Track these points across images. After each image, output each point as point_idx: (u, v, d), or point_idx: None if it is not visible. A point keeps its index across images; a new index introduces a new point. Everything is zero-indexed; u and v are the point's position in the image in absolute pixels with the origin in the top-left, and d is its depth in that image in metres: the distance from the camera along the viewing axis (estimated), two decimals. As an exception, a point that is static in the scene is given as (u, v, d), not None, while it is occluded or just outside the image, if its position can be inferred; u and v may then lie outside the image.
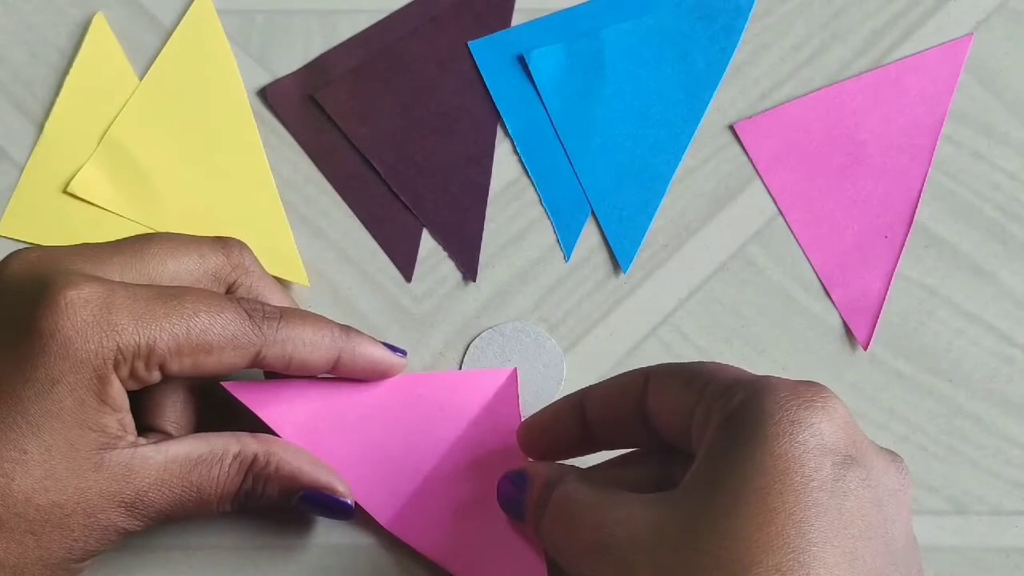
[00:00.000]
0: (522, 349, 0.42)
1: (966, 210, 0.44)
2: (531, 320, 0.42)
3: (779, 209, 0.44)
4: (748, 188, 0.44)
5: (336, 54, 0.46)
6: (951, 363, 0.42)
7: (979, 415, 0.41)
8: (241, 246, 0.37)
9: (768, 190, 0.44)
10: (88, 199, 0.43)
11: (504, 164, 0.45)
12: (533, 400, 0.41)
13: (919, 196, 0.44)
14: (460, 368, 0.42)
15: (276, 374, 0.37)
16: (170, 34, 0.45)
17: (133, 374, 0.32)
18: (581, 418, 0.35)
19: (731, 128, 0.45)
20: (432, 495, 0.39)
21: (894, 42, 0.46)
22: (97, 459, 0.32)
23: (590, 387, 0.35)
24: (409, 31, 0.46)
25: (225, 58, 0.45)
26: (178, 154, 0.44)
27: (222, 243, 0.37)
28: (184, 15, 0.46)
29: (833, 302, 0.43)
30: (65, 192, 0.43)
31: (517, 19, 0.46)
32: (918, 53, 0.45)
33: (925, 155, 0.44)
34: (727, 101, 0.45)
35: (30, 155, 0.44)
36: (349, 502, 0.37)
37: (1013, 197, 0.44)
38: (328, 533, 0.40)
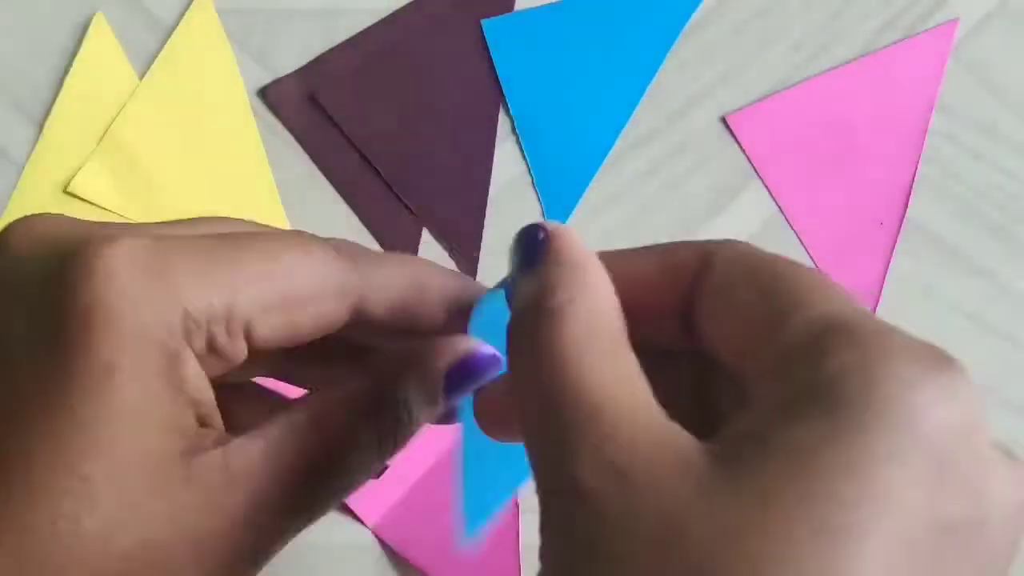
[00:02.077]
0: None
1: (966, 209, 0.44)
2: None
3: (776, 202, 0.44)
4: (747, 187, 0.44)
5: (336, 54, 0.46)
6: (951, 363, 0.42)
7: (979, 415, 0.41)
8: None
9: (764, 183, 0.44)
10: (88, 199, 0.43)
11: (504, 164, 0.45)
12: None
13: (912, 182, 0.44)
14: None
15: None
16: (170, 34, 0.45)
17: (212, 346, 0.22)
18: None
19: (723, 120, 0.45)
20: (420, 502, 0.39)
21: (894, 42, 0.46)
22: (185, 470, 0.22)
23: (610, 256, 0.23)
24: (409, 31, 0.46)
25: (225, 58, 0.45)
26: (178, 154, 0.44)
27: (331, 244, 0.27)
28: (184, 15, 0.46)
29: (832, 296, 0.43)
30: (65, 192, 0.43)
31: (517, 19, 0.46)
32: (905, 39, 0.46)
33: (916, 140, 0.44)
34: (728, 101, 0.45)
35: (30, 155, 0.44)
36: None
37: (1013, 197, 0.44)
38: (328, 533, 0.40)
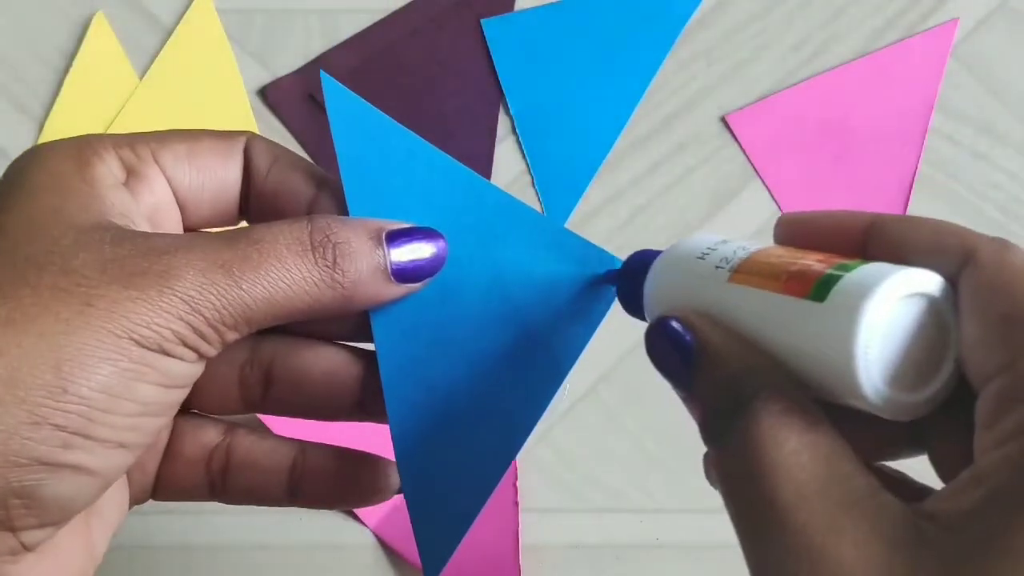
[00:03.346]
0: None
1: (966, 209, 0.44)
2: (531, 320, 0.42)
3: (776, 202, 0.44)
4: (748, 187, 0.44)
5: (336, 54, 0.46)
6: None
7: (979, 415, 0.41)
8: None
9: (764, 183, 0.44)
10: (88, 199, 0.43)
11: (504, 164, 0.45)
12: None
13: (912, 181, 0.44)
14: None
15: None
16: (170, 34, 0.45)
17: (128, 167, 0.27)
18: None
19: (723, 120, 0.45)
20: None
21: (894, 42, 0.46)
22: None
23: (887, 220, 0.23)
24: (409, 31, 0.46)
25: (225, 58, 0.45)
26: (178, 154, 0.44)
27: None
28: (184, 15, 0.46)
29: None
30: (65, 192, 0.43)
31: (517, 19, 0.46)
32: (905, 39, 0.46)
33: (916, 140, 0.44)
34: (728, 101, 0.45)
35: (30, 155, 0.44)
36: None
37: (1013, 197, 0.44)
38: (328, 533, 0.40)
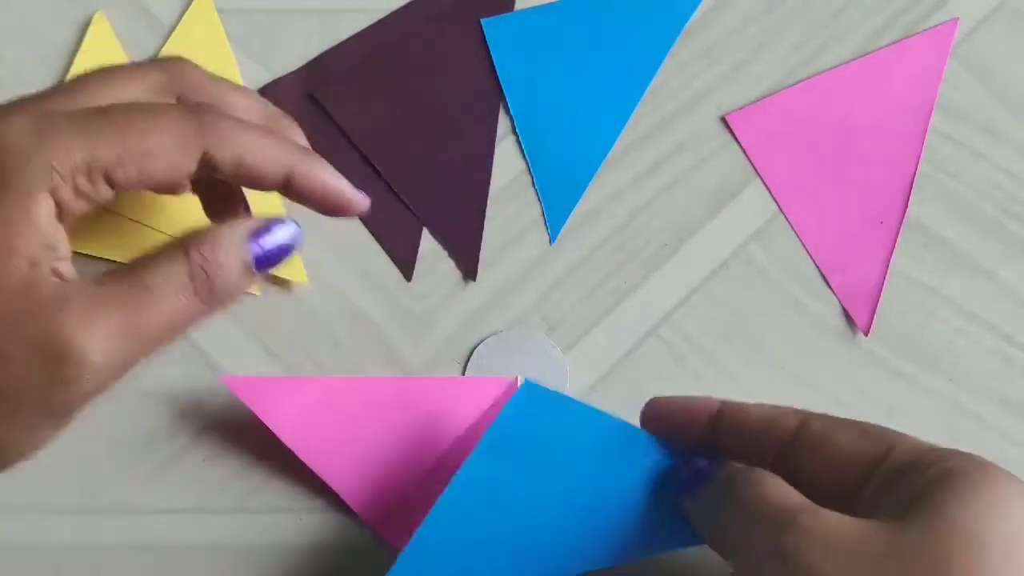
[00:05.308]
0: (527, 356, 0.42)
1: (966, 209, 0.44)
2: (531, 320, 0.42)
3: (776, 201, 0.44)
4: (748, 187, 0.44)
5: (336, 54, 0.46)
6: (951, 362, 0.42)
7: (979, 414, 0.41)
8: (183, 63, 0.35)
9: (764, 183, 0.44)
10: (88, 199, 0.43)
11: (504, 163, 0.45)
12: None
13: (912, 182, 0.44)
14: (463, 372, 0.42)
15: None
16: (170, 34, 0.45)
17: (79, 191, 0.31)
18: (711, 427, 0.33)
19: (723, 119, 0.45)
20: (421, 500, 0.39)
21: (894, 41, 0.46)
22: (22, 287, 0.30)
23: (730, 406, 0.33)
24: (409, 31, 0.46)
25: (225, 58, 0.45)
26: (178, 154, 0.44)
27: (161, 63, 0.35)
28: (184, 14, 0.46)
29: (833, 291, 0.43)
30: (65, 192, 0.43)
31: (517, 19, 0.46)
32: (905, 38, 0.46)
33: (916, 140, 0.44)
34: (727, 100, 0.45)
35: (30, 155, 0.44)
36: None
37: (1013, 196, 0.44)
38: (328, 533, 0.40)
